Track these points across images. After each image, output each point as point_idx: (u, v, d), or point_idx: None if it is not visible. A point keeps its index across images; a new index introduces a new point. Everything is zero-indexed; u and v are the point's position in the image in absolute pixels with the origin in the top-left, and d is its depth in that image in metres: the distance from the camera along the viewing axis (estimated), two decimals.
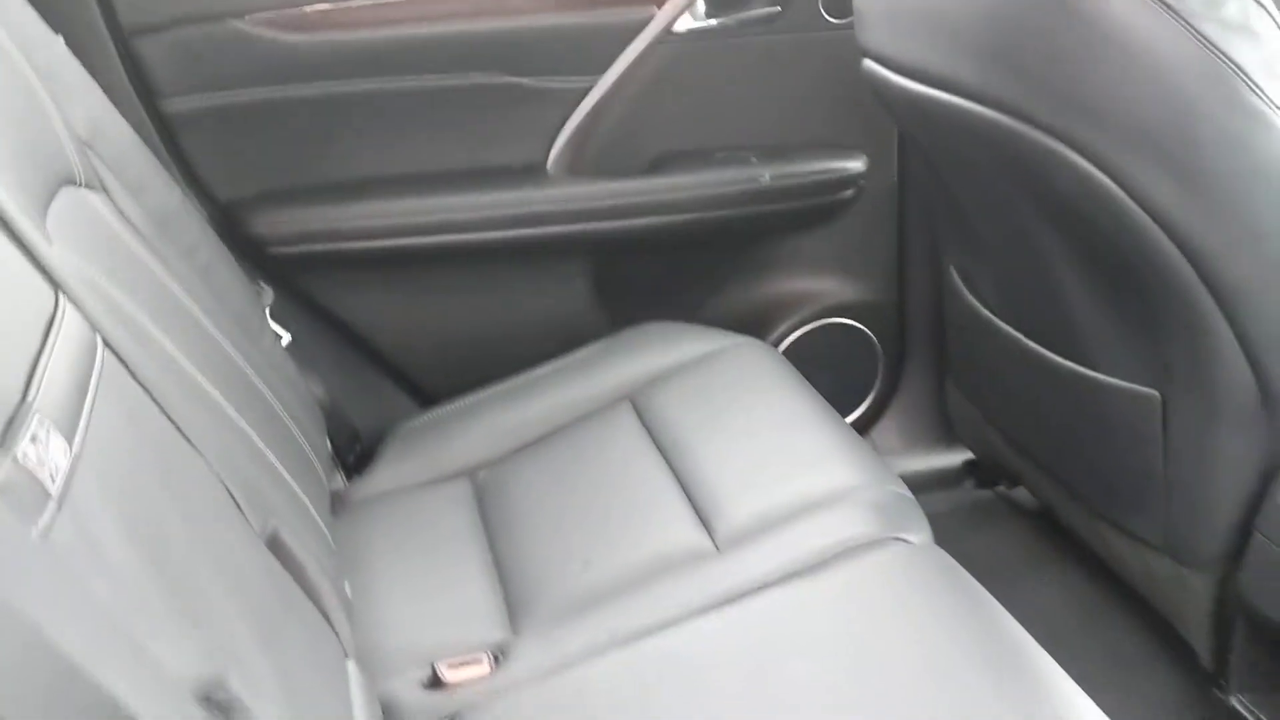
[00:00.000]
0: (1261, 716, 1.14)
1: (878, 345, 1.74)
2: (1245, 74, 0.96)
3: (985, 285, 1.43)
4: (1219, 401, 1.10)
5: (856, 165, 1.60)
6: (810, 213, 1.62)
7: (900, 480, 1.18)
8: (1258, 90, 0.96)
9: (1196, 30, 0.94)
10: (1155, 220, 1.01)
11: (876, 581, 1.02)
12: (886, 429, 1.81)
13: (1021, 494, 1.74)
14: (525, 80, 1.50)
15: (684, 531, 1.15)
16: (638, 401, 1.37)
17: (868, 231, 1.67)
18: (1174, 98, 0.97)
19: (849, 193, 1.60)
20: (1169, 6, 0.93)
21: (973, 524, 1.73)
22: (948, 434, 1.77)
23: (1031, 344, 1.33)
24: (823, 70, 1.53)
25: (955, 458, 1.80)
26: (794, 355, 1.69)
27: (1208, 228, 1.01)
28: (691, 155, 1.57)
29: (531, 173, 1.54)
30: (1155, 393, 1.16)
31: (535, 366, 1.49)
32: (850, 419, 1.78)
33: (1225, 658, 1.18)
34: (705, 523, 1.15)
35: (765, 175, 1.55)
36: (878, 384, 1.77)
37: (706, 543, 1.12)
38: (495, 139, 1.53)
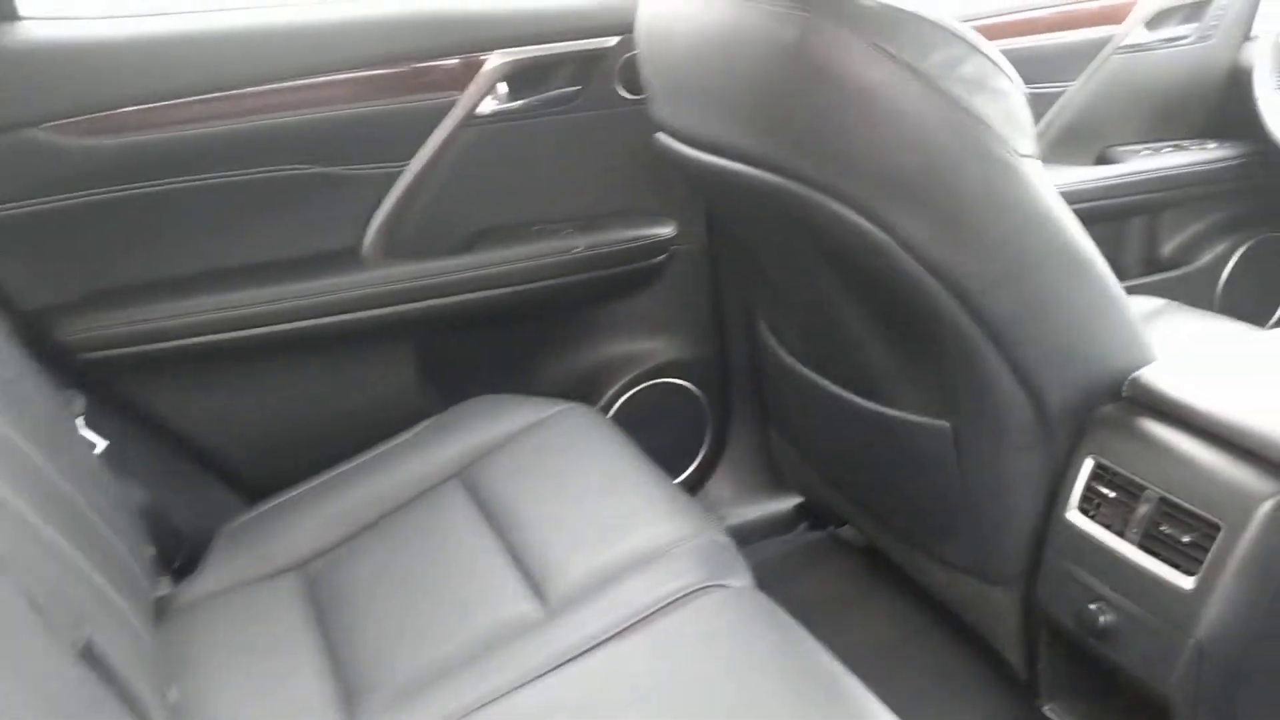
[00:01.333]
0: None
1: (704, 401, 1.80)
2: (988, 124, 1.05)
3: (791, 336, 1.51)
4: (1002, 427, 1.19)
5: (667, 231, 1.66)
6: (627, 278, 1.67)
7: (722, 529, 1.23)
8: (1000, 140, 1.06)
9: (944, 91, 1.04)
10: (921, 264, 1.10)
11: (699, 628, 1.06)
12: (720, 481, 1.87)
13: (850, 532, 1.82)
14: (336, 169, 1.52)
15: (516, 601, 1.16)
16: (467, 477, 1.39)
17: (684, 292, 1.74)
18: (926, 149, 1.06)
19: (662, 257, 1.67)
20: (911, 68, 1.02)
21: (806, 565, 1.80)
22: (778, 481, 1.83)
23: (835, 388, 1.41)
24: (626, 143, 1.59)
25: (787, 503, 1.87)
26: (625, 417, 1.74)
27: (969, 268, 1.10)
28: (506, 231, 1.61)
29: (348, 258, 1.56)
30: (946, 424, 1.25)
31: (365, 452, 1.50)
32: (684, 474, 1.83)
33: (1035, 668, 1.26)
34: (536, 590, 1.17)
35: (579, 246, 1.60)
36: (707, 438, 1.83)
37: (538, 609, 1.15)
38: (309, 228, 1.54)
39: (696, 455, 1.83)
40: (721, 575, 1.13)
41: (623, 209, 1.66)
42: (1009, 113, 1.08)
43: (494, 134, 1.57)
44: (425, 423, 1.51)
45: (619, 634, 1.08)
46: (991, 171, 1.07)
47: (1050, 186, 1.13)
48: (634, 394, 1.74)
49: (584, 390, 1.70)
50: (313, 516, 1.41)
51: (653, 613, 1.09)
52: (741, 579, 1.14)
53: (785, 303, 1.48)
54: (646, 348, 1.75)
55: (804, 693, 0.97)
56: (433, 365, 1.63)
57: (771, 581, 1.75)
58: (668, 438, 1.80)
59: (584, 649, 1.07)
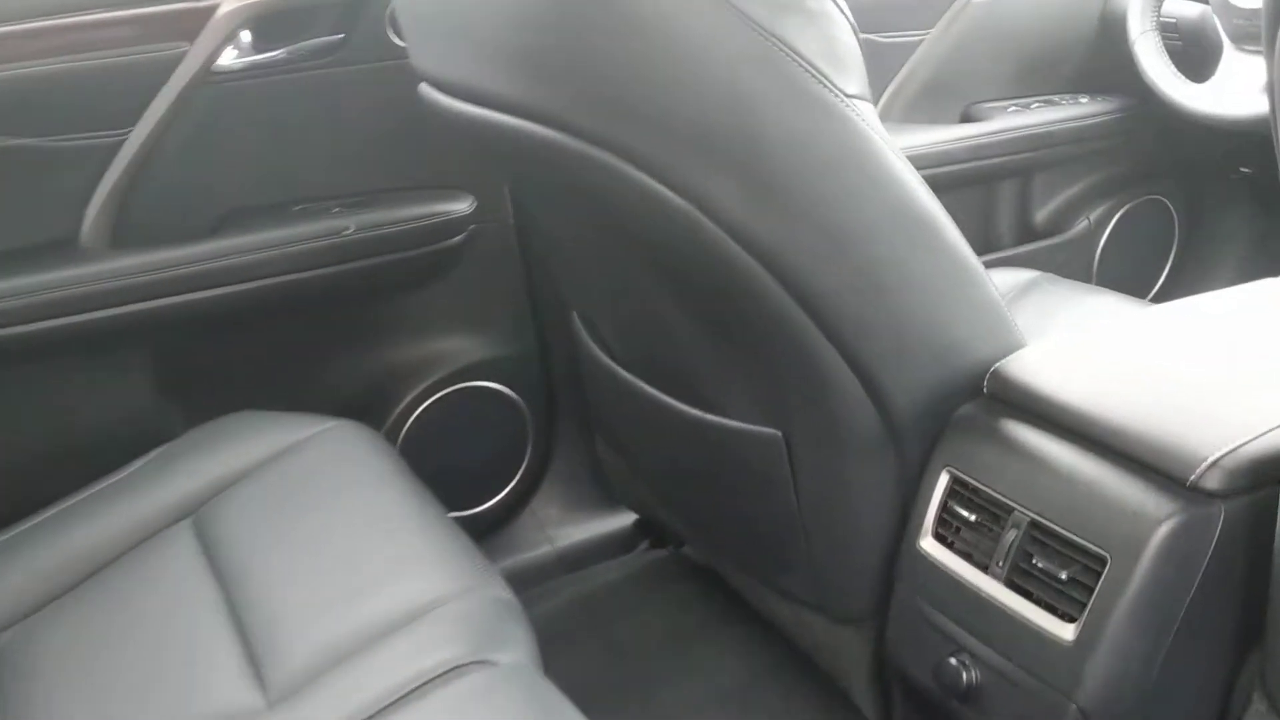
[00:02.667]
0: None
1: (524, 406, 1.55)
2: (804, 60, 0.82)
3: (607, 333, 1.26)
4: (840, 433, 0.96)
5: (462, 207, 1.40)
6: (417, 265, 1.41)
7: (501, 582, 0.99)
8: (820, 76, 0.83)
9: (743, 12, 0.79)
10: (732, 236, 0.86)
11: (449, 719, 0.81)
12: (547, 498, 1.62)
13: (700, 554, 1.59)
14: (39, 141, 1.23)
15: (231, 688, 0.91)
16: (201, 518, 1.13)
17: (490, 280, 1.48)
18: (731, 94, 0.82)
19: (458, 238, 1.41)
20: None
21: (649, 590, 1.56)
22: (612, 496, 1.59)
23: (656, 393, 1.17)
24: (404, 101, 1.33)
25: (625, 519, 1.63)
26: (428, 427, 1.49)
27: (787, 239, 0.86)
28: (260, 211, 1.33)
29: (62, 250, 1.27)
30: (777, 432, 1.01)
31: (85, 488, 1.21)
32: (504, 492, 1.58)
33: None
34: (258, 671, 0.92)
35: (350, 227, 1.33)
36: (529, 449, 1.58)
37: (257, 699, 0.89)
38: (9, 215, 1.25)
39: (518, 470, 1.58)
40: (489, 648, 0.88)
41: (406, 182, 1.39)
42: (830, 41, 0.85)
43: (239, 93, 1.29)
44: (157, 451, 1.23)
45: None
46: (807, 116, 0.83)
47: (886, 136, 0.89)
48: (436, 402, 1.48)
49: (371, 402, 1.43)
50: (13, 571, 1.13)
51: (392, 702, 0.84)
52: (516, 651, 0.89)
53: (596, 294, 1.24)
54: (449, 347, 1.49)
55: None
56: (175, 378, 1.35)
57: (610, 611, 1.53)
58: (482, 451, 1.55)
59: None
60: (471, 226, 1.42)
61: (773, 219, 0.85)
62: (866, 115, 0.87)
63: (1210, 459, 0.77)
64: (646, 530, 1.63)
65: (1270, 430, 0.78)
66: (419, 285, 1.44)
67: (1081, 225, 1.85)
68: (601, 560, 1.62)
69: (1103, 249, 1.88)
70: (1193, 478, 0.78)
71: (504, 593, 0.96)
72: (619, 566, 1.61)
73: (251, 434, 1.21)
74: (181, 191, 1.30)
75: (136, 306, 1.28)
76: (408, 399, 1.47)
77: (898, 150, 0.89)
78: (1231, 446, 0.78)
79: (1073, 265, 1.86)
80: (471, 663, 0.86)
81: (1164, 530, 0.78)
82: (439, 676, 0.85)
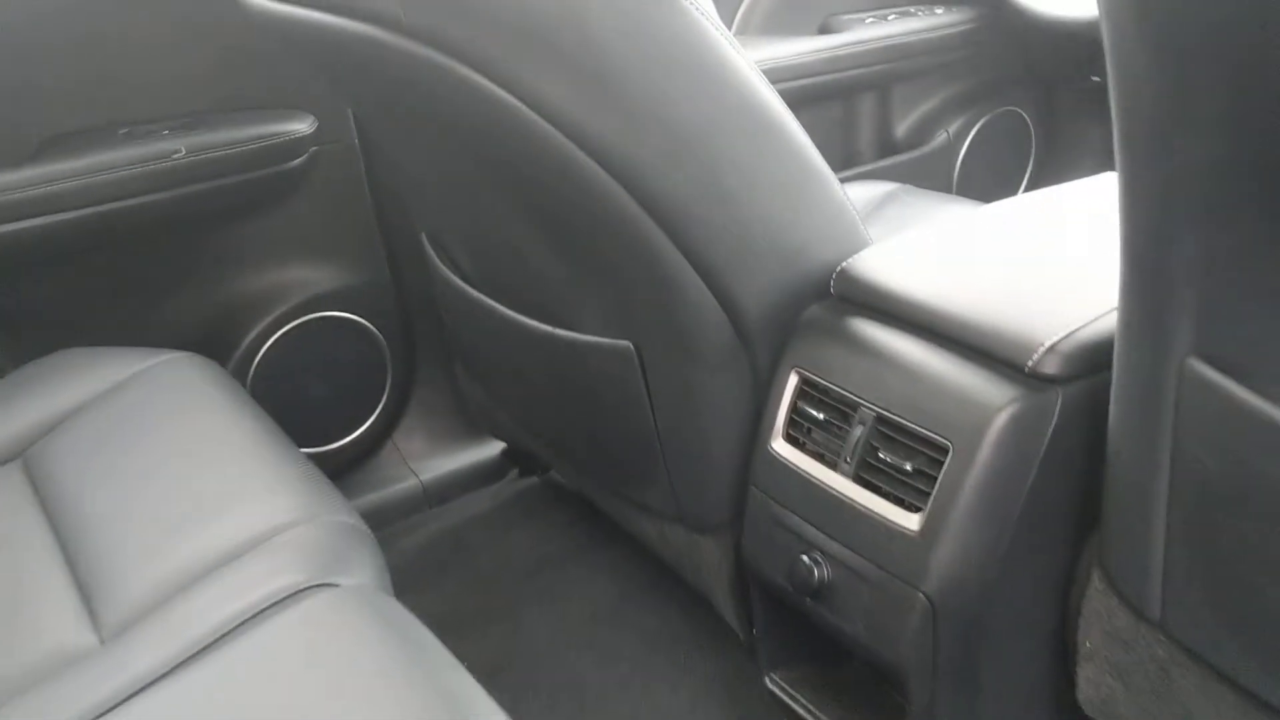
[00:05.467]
0: (795, 694, 1.00)
1: (379, 336, 1.50)
2: None
3: (457, 252, 1.22)
4: (690, 340, 0.95)
5: (301, 127, 1.34)
6: (255, 189, 1.34)
7: (347, 507, 0.95)
8: None
9: None
10: (569, 136, 0.82)
11: (289, 646, 0.78)
12: (409, 430, 1.58)
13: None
14: None
15: (63, 627, 0.86)
16: (30, 458, 1.06)
17: (337, 204, 1.42)
18: None
19: (298, 161, 1.34)
20: None
21: (519, 518, 1.54)
22: (476, 425, 1.56)
23: (510, 312, 1.13)
24: (233, 12, 1.25)
25: (493, 449, 1.60)
26: (276, 362, 1.43)
27: (626, 137, 0.83)
28: (81, 137, 1.25)
29: None
30: (628, 343, 0.99)
31: None
32: (364, 426, 1.53)
33: (751, 630, 1.04)
34: (90, 609, 0.87)
35: (180, 150, 1.25)
36: (389, 380, 1.53)
37: (89, 636, 0.85)
38: None
39: (378, 403, 1.53)
40: (332, 572, 0.84)
41: (241, 103, 1.32)
42: None
43: (53, 5, 1.19)
44: None
45: (184, 663, 0.78)
46: (637, 7, 0.80)
47: (728, 36, 0.87)
48: (284, 335, 1.42)
49: (215, 337, 1.36)
50: None
51: (231, 630, 0.80)
52: (361, 574, 0.86)
53: (445, 214, 1.19)
54: (295, 277, 1.43)
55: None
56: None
57: (479, 542, 1.51)
58: (339, 384, 1.50)
59: (139, 686, 0.78)
60: (313, 148, 1.35)
61: (608, 117, 0.82)
62: (702, 5, 0.84)
63: (1047, 344, 0.78)
64: (515, 459, 1.60)
65: (1102, 315, 0.79)
66: (259, 212, 1.37)
67: (941, 138, 1.86)
68: (469, 492, 1.59)
69: (962, 160, 1.89)
70: (1030, 363, 0.78)
71: (349, 518, 0.92)
72: (487, 497, 1.59)
73: (82, 370, 1.14)
74: None
75: None
76: (254, 333, 1.41)
77: (737, 45, 0.87)
78: (1067, 332, 0.78)
79: (934, 177, 1.87)
80: (312, 586, 0.82)
81: (1004, 416, 0.78)
82: (278, 603, 0.81)
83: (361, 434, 1.52)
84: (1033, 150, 1.97)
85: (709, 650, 1.23)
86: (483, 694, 0.73)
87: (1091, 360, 0.78)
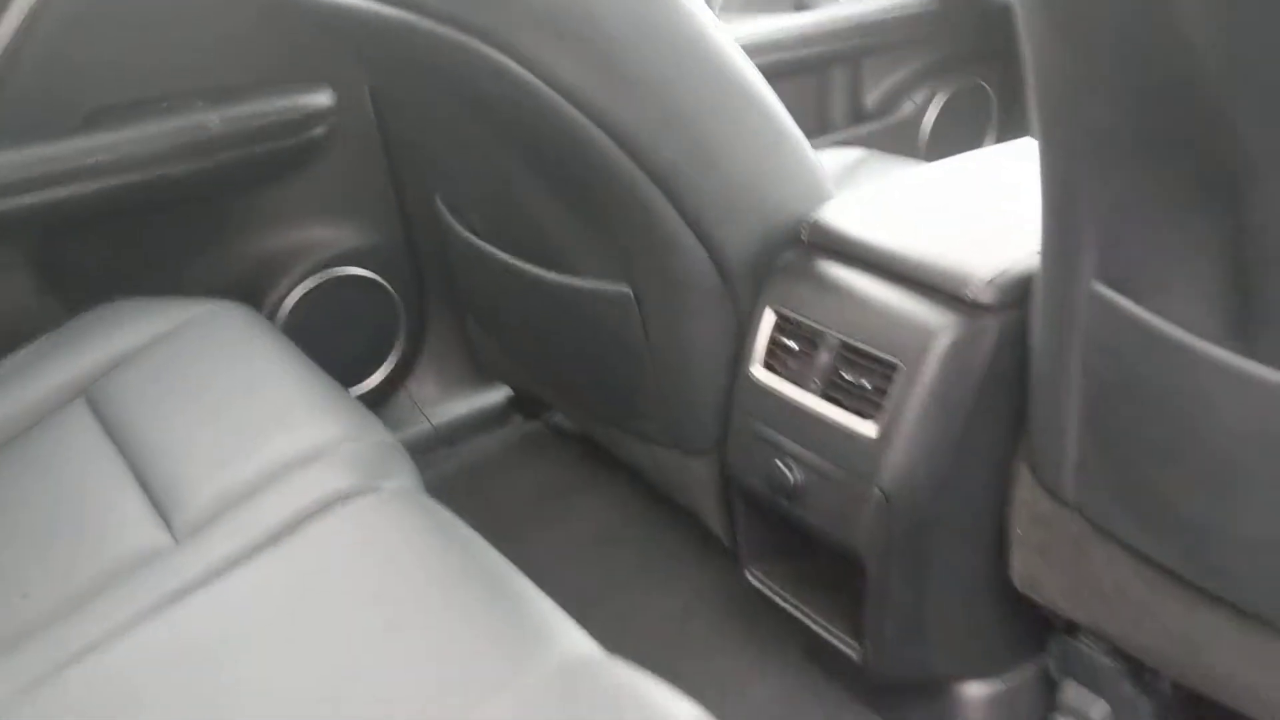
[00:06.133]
0: (772, 585, 1.16)
1: (393, 292, 1.64)
2: None
3: (470, 211, 1.36)
4: (682, 284, 1.09)
5: (323, 100, 1.47)
6: (281, 157, 1.47)
7: (383, 428, 1.09)
8: None
9: None
10: (579, 109, 0.97)
11: (344, 538, 0.92)
12: (422, 379, 1.72)
13: (566, 419, 1.71)
14: None
15: (139, 531, 0.99)
16: (93, 396, 1.19)
17: (354, 171, 1.55)
18: None
19: (319, 130, 1.47)
20: None
21: (525, 458, 1.69)
22: (484, 373, 1.70)
23: (519, 263, 1.27)
24: None
25: (498, 395, 1.75)
26: (301, 316, 1.56)
27: (630, 112, 0.97)
28: (126, 109, 1.37)
29: None
30: (627, 288, 1.13)
31: None
32: (380, 374, 1.67)
33: (737, 535, 1.19)
34: (164, 516, 1.00)
35: (215, 121, 1.38)
36: (402, 332, 1.67)
37: (164, 537, 0.98)
38: None
39: (391, 352, 1.67)
40: (375, 478, 0.98)
41: (268, 77, 1.45)
42: None
43: None
44: (43, 338, 1.28)
45: (252, 555, 0.93)
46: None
47: (711, 16, 1.01)
48: (309, 290, 1.56)
49: (245, 290, 1.49)
50: None
51: (291, 527, 0.94)
52: (401, 479, 1.00)
53: (460, 175, 1.33)
54: (317, 237, 1.56)
55: (467, 599, 0.85)
56: (54, 270, 1.39)
57: (487, 477, 1.65)
58: (356, 336, 1.63)
59: (212, 576, 0.91)
60: (333, 118, 1.48)
61: (612, 91, 0.96)
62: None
63: (983, 279, 0.92)
64: (519, 404, 1.74)
65: (1030, 254, 0.93)
66: (285, 177, 1.50)
67: (908, 107, 2.00)
68: (478, 434, 1.73)
69: (928, 129, 2.03)
70: (970, 295, 0.93)
71: (387, 437, 1.07)
72: (494, 439, 1.73)
73: (135, 318, 1.27)
74: (47, 87, 1.33)
75: (9, 202, 1.32)
76: (279, 287, 1.54)
77: (720, 27, 1.01)
78: (1001, 269, 0.93)
79: (902, 145, 2.01)
80: (360, 491, 0.96)
81: (946, 339, 0.93)
82: (332, 504, 0.95)
83: (377, 381, 1.66)
84: (994, 119, 2.12)
85: (698, 561, 1.39)
86: (524, 579, 0.87)
87: (1021, 291, 0.92)
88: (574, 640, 0.78)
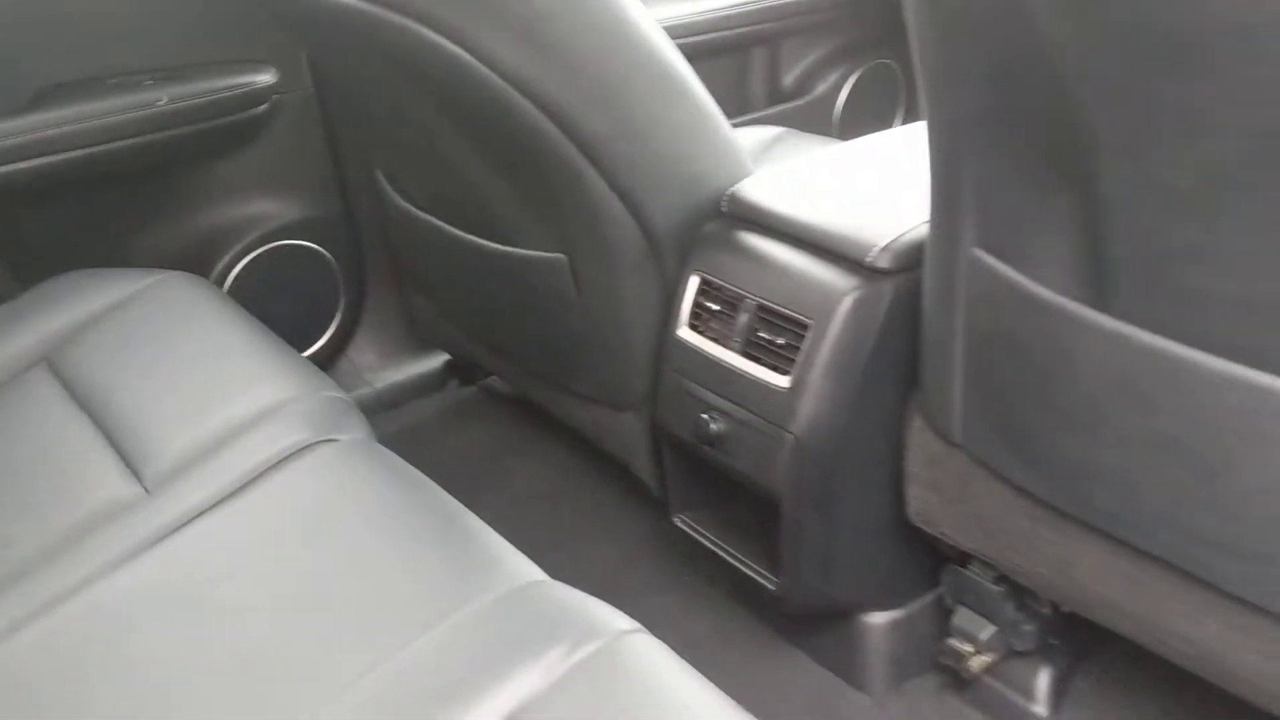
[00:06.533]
0: (699, 528, 1.27)
1: (334, 262, 1.71)
2: None
3: (410, 184, 1.44)
4: (613, 253, 1.19)
5: (265, 78, 1.53)
6: (225, 133, 1.53)
7: (334, 385, 1.17)
8: None
9: None
10: (516, 89, 1.05)
11: (307, 485, 1.01)
12: (362, 346, 1.79)
13: (501, 383, 1.81)
14: None
15: (111, 484, 1.07)
16: (54, 361, 1.25)
17: (296, 147, 1.62)
18: None
19: (262, 107, 1.54)
20: None
21: (462, 421, 1.77)
22: (422, 340, 1.78)
23: (459, 233, 1.36)
24: None
25: (436, 361, 1.83)
26: (246, 286, 1.63)
27: (564, 90, 1.06)
28: (76, 86, 1.43)
29: None
30: (563, 256, 1.23)
31: None
32: (321, 341, 1.74)
33: (665, 485, 1.30)
34: (134, 470, 1.08)
35: (163, 98, 1.44)
36: (343, 301, 1.74)
37: (135, 489, 1.05)
38: None
39: (332, 321, 1.74)
40: (332, 430, 1.07)
41: (214, 57, 1.51)
42: None
43: None
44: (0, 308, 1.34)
45: (221, 502, 1.01)
46: None
47: (636, 4, 1.10)
48: (252, 260, 1.62)
49: (193, 261, 1.56)
50: None
51: (256, 477, 1.02)
52: (354, 432, 1.09)
53: (400, 149, 1.40)
54: (261, 210, 1.63)
55: (422, 534, 0.94)
56: (6, 244, 1.44)
57: (427, 440, 1.74)
58: (299, 304, 1.70)
59: (184, 521, 1.00)
60: (275, 96, 1.55)
61: (546, 69, 1.05)
62: None
63: (880, 246, 1.04)
64: (455, 370, 1.83)
65: (922, 223, 1.04)
66: (229, 153, 1.57)
67: (822, 88, 2.12)
68: (415, 399, 1.82)
69: (842, 107, 2.15)
70: (868, 260, 1.04)
71: (340, 393, 1.15)
72: (432, 403, 1.82)
73: (90, 288, 1.33)
74: None
75: None
76: (225, 259, 1.60)
77: (646, 14, 1.10)
78: (895, 236, 1.04)
79: (818, 123, 2.13)
80: (317, 442, 1.05)
81: (849, 300, 1.04)
82: (291, 455, 1.03)
83: (319, 348, 1.73)
84: (902, 98, 2.24)
85: (633, 513, 1.49)
86: (472, 517, 0.96)
87: (914, 257, 1.03)
88: (522, 567, 0.88)
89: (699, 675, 0.77)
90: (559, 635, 0.79)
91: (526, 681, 0.77)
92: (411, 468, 1.03)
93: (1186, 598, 0.88)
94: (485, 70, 1.05)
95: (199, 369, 1.18)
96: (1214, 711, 1.13)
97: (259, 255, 1.63)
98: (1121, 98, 0.72)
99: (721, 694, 0.76)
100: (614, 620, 0.81)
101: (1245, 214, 0.69)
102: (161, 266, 1.42)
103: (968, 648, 1.16)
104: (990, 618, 1.16)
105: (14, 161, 1.38)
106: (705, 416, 1.13)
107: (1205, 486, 0.80)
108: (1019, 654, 1.18)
